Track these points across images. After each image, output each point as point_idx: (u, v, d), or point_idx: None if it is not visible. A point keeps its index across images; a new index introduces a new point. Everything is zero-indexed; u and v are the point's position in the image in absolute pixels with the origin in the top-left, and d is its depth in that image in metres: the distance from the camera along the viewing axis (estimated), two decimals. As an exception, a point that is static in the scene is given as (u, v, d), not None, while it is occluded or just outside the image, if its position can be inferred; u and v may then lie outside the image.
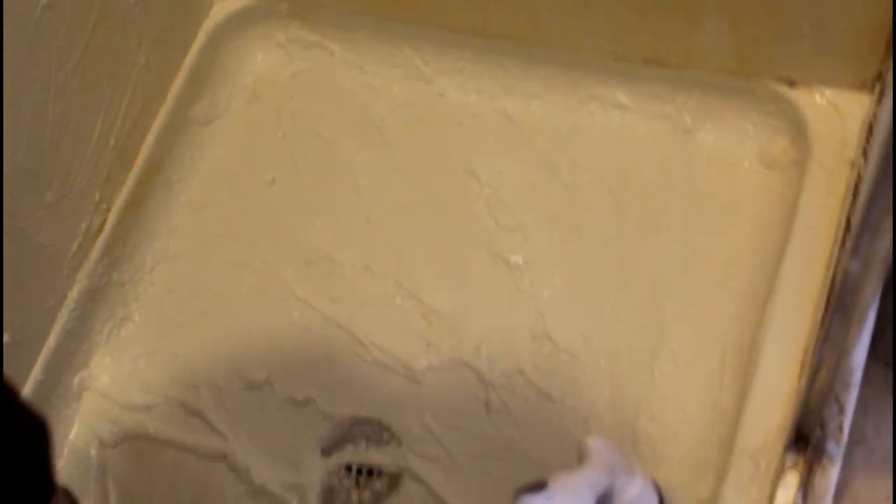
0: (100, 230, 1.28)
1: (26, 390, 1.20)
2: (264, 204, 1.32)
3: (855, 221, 0.86)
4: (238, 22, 1.40)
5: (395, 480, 1.15)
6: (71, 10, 1.14)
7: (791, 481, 0.93)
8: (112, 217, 1.29)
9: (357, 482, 1.16)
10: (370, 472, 1.16)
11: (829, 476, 0.93)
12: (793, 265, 1.03)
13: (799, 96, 1.12)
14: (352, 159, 1.32)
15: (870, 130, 1.01)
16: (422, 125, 1.32)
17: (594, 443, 0.88)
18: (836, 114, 1.08)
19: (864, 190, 0.86)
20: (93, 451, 1.23)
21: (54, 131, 1.17)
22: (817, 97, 1.10)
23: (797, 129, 1.12)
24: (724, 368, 1.09)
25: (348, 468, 1.17)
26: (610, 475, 0.87)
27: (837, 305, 0.74)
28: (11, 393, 0.46)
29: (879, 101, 1.00)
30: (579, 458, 0.88)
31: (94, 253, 1.27)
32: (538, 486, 0.81)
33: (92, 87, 1.21)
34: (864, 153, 1.00)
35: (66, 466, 1.23)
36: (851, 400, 0.94)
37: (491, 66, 1.30)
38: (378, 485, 1.16)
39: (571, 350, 1.15)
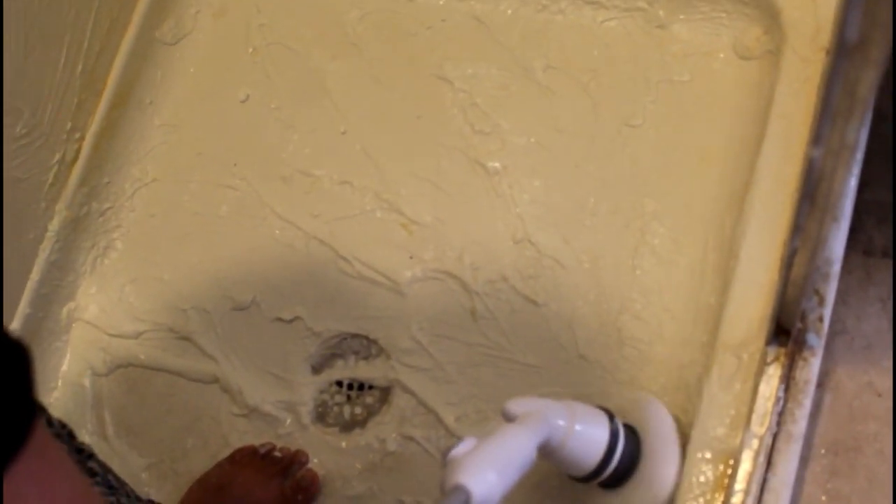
0: (75, 159, 1.27)
1: (14, 325, 1.21)
2: (239, 121, 1.31)
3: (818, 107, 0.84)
4: (199, -65, 1.36)
5: (385, 393, 1.16)
6: (23, -66, 1.11)
7: (773, 374, 0.93)
8: (86, 145, 1.27)
9: (348, 397, 1.17)
10: (361, 387, 1.17)
11: (811, 367, 0.93)
12: (770, 156, 1.02)
13: (771, -19, 1.09)
14: (323, 70, 1.30)
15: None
16: (392, 31, 1.29)
17: (513, 403, 0.88)
18: (810, -1, 1.05)
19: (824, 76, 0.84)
20: (86, 382, 1.24)
21: (18, 61, 1.15)
22: (790, -18, 1.08)
23: (770, 16, 1.09)
24: (706, 264, 1.08)
25: (339, 384, 1.18)
26: (541, 421, 0.87)
27: (805, 195, 0.73)
28: None
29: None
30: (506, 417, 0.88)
31: (72, 182, 1.26)
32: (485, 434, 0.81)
33: (53, 11, 1.18)
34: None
35: (60, 398, 1.24)
36: (831, 291, 0.93)
37: (459, -33, 1.27)
38: (369, 399, 1.17)
39: (553, 254, 1.14)
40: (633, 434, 0.97)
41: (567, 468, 0.94)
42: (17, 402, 0.45)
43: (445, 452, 0.80)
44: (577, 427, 0.91)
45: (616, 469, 0.94)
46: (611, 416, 0.95)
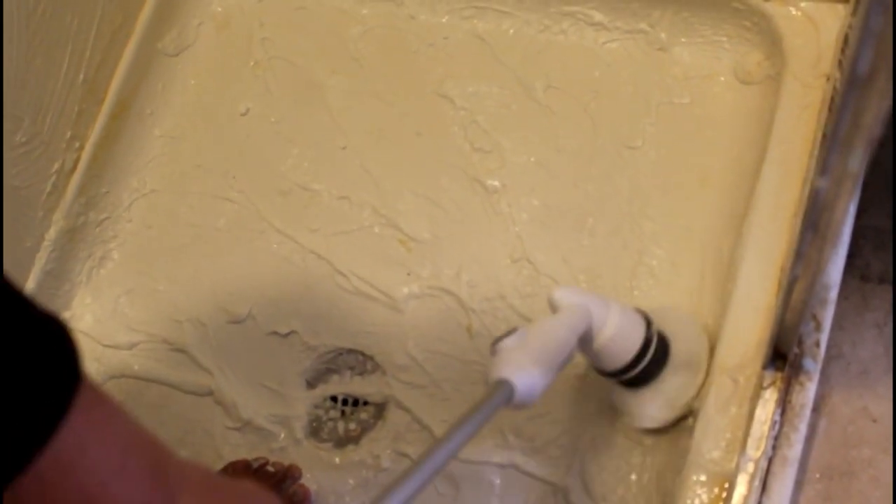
0: (74, 168, 1.27)
1: (9, 333, 1.20)
2: (239, 134, 1.31)
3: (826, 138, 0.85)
4: (203, -52, 1.36)
5: (380, 409, 1.16)
6: (27, -57, 1.12)
7: (770, 398, 0.94)
8: (86, 154, 1.27)
9: (343, 412, 1.17)
10: (355, 402, 1.17)
11: (807, 392, 0.93)
12: (769, 181, 1.02)
13: (774, 8, 1.09)
14: (324, 85, 1.30)
15: (845, 42, 0.99)
16: (393, 48, 1.30)
17: (560, 292, 0.91)
18: (812, 26, 1.06)
19: (835, 106, 0.84)
20: (79, 391, 1.23)
21: (20, 69, 1.15)
22: (792, 9, 1.08)
23: (772, 42, 1.10)
24: (703, 287, 1.08)
25: (334, 399, 1.18)
26: (585, 316, 0.90)
27: (808, 224, 0.73)
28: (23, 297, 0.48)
29: (855, 12, 0.98)
30: (551, 310, 0.91)
31: (70, 192, 1.26)
32: (512, 331, 0.84)
33: (56, 19, 1.18)
34: (840, 65, 0.98)
35: (53, 406, 1.23)
36: (828, 316, 0.94)
37: (461, -15, 1.28)
38: (364, 414, 1.16)
39: (551, 273, 1.15)
40: (663, 342, 0.99)
41: (597, 361, 0.97)
42: (60, 371, 0.47)
43: (495, 342, 0.83)
44: (615, 326, 0.93)
45: (642, 371, 0.97)
46: (648, 322, 0.97)
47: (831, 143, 0.62)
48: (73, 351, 0.49)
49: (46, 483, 0.47)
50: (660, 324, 1.00)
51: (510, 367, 0.79)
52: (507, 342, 0.82)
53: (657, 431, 1.03)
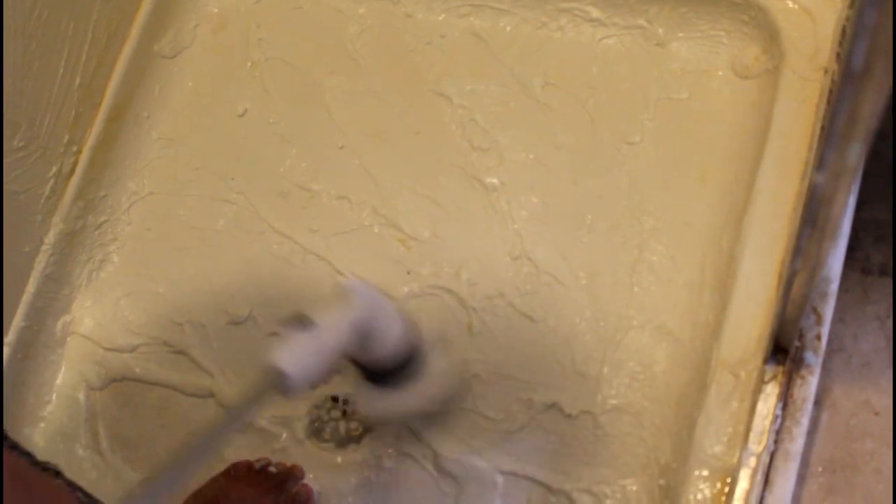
0: (72, 172, 1.26)
1: (9, 338, 1.20)
2: (237, 136, 1.31)
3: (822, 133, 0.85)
4: (198, -51, 1.36)
5: (381, 408, 1.16)
6: (22, -54, 1.12)
7: (771, 392, 0.94)
8: (83, 158, 1.27)
9: (344, 412, 1.17)
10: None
11: (809, 385, 0.93)
12: (768, 175, 1.02)
13: (771, 2, 1.09)
14: (322, 85, 1.30)
15: (843, 34, 0.99)
16: (391, 47, 1.29)
17: (352, 284, 0.92)
18: (809, 18, 1.06)
19: (833, 99, 0.84)
20: (81, 395, 1.23)
21: (17, 74, 1.14)
22: (789, 2, 1.08)
23: (769, 35, 1.10)
24: (704, 282, 1.08)
25: (335, 399, 1.17)
26: (371, 315, 0.91)
27: (807, 218, 0.73)
28: None
29: (852, 4, 0.98)
30: (336, 297, 0.91)
31: (68, 195, 1.26)
32: (301, 320, 0.85)
33: (52, 25, 1.18)
34: (838, 58, 0.98)
35: (55, 411, 1.23)
36: (829, 309, 0.94)
37: (458, -17, 1.28)
38: (365, 414, 1.16)
39: (551, 270, 1.15)
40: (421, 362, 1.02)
41: (357, 356, 0.97)
42: None
43: (282, 322, 0.85)
44: (396, 339, 0.96)
45: (393, 377, 1.00)
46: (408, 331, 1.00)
47: (828, 137, 0.62)
48: None
49: None
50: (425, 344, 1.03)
51: (288, 356, 0.81)
52: (291, 330, 0.84)
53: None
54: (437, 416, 1.11)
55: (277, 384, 0.80)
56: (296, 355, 0.82)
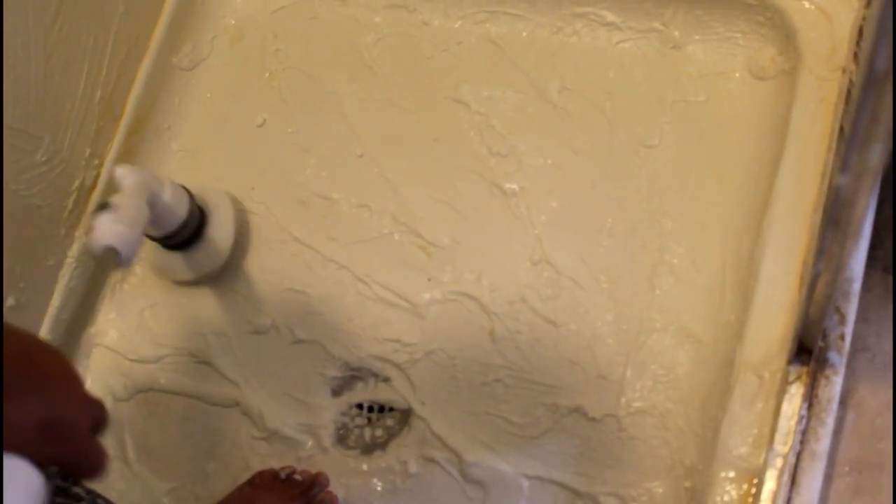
0: (94, 185, 1.28)
1: (35, 351, 1.21)
2: (256, 146, 1.32)
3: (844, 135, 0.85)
4: (214, -38, 1.37)
5: (406, 415, 1.16)
6: (42, -36, 1.13)
7: (796, 392, 0.94)
8: (105, 171, 1.28)
9: (369, 419, 1.17)
10: (381, 409, 1.18)
11: (833, 385, 0.93)
12: (788, 176, 1.02)
13: (786, 3, 1.09)
14: (340, 93, 1.31)
15: (860, 33, 0.99)
16: (407, 55, 1.30)
17: (123, 171, 1.08)
18: (825, 18, 1.06)
19: (852, 103, 0.84)
20: (107, 406, 1.24)
21: (38, 89, 1.15)
22: (805, 3, 1.08)
23: (786, 36, 1.10)
24: (725, 283, 1.09)
25: (359, 406, 1.18)
26: (150, 189, 1.10)
27: (830, 220, 0.73)
28: None
29: (869, 4, 0.98)
30: (120, 183, 1.08)
31: (91, 209, 1.27)
32: (105, 206, 1.02)
33: (72, 39, 1.19)
34: (855, 57, 0.98)
35: (82, 422, 1.24)
36: (852, 309, 0.94)
37: (473, -10, 1.28)
38: (389, 421, 1.17)
39: (571, 274, 1.15)
40: (203, 216, 1.23)
41: (155, 228, 1.17)
42: None
43: (92, 216, 1.03)
44: (170, 197, 1.14)
45: (183, 237, 1.20)
46: (191, 196, 1.20)
47: (851, 139, 0.62)
48: None
49: None
50: (201, 200, 1.23)
51: (116, 236, 0.99)
52: (104, 216, 1.00)
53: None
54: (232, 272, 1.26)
55: (112, 260, 0.99)
56: (113, 231, 0.99)
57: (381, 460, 1.15)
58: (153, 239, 1.21)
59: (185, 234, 1.20)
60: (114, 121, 1.30)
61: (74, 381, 0.62)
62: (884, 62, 0.52)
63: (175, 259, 1.24)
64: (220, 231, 1.23)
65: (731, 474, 0.95)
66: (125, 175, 1.08)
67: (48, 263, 1.23)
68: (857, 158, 0.65)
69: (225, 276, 1.26)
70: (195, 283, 1.26)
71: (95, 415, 0.63)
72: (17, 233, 1.16)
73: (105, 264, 1.03)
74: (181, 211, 1.17)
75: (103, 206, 1.02)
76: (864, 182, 0.68)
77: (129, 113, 1.31)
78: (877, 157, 0.65)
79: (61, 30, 1.17)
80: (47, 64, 1.16)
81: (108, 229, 0.99)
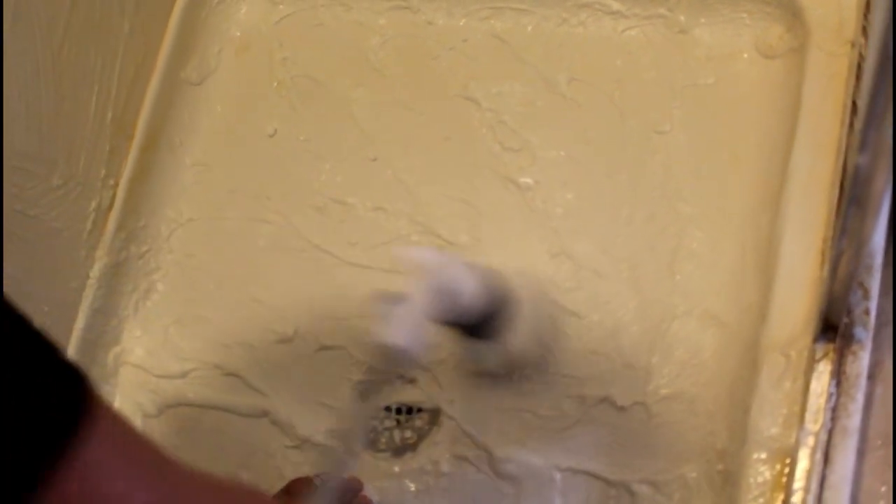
0: (111, 205, 1.28)
1: (64, 373, 1.22)
2: (269, 155, 1.32)
3: (860, 113, 0.85)
4: (216, -25, 1.38)
5: (434, 415, 1.16)
6: (46, -13, 1.13)
7: (824, 370, 0.94)
8: (121, 190, 1.29)
9: (398, 421, 1.18)
10: (409, 411, 1.18)
11: (861, 361, 0.93)
12: (802, 154, 1.02)
13: (791, -21, 1.10)
14: (349, 98, 1.31)
15: (867, 6, 0.99)
16: (414, 55, 1.30)
17: (419, 254, 0.94)
18: (831, -7, 1.06)
19: (866, 80, 0.84)
20: (138, 424, 1.25)
21: (50, 113, 1.16)
22: (810, -22, 1.08)
23: (792, 13, 1.10)
24: (745, 264, 1.09)
25: (387, 409, 1.19)
26: (449, 275, 0.93)
27: (851, 199, 0.73)
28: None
29: (874, -24, 0.98)
30: (411, 269, 0.93)
31: (109, 228, 1.27)
32: (391, 297, 0.88)
33: (80, 61, 1.20)
34: (864, 31, 0.98)
35: (114, 441, 1.25)
36: (875, 283, 0.94)
37: (476, -13, 1.28)
38: (418, 421, 1.17)
39: (591, 264, 1.15)
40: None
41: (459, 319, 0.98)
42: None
43: (376, 301, 0.88)
44: (471, 296, 0.95)
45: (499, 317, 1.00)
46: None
47: (868, 117, 0.62)
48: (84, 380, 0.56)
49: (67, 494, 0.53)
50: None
51: (396, 331, 0.86)
52: (386, 309, 0.87)
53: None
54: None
55: (396, 359, 0.86)
56: (402, 329, 0.86)
57: (412, 461, 1.16)
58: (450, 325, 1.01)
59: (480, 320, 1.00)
60: (126, 139, 1.30)
61: None
62: (898, 40, 0.52)
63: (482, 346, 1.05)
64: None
65: (764, 455, 0.95)
66: (423, 258, 0.94)
67: (71, 286, 1.24)
68: (875, 136, 0.65)
69: (247, 286, 1.26)
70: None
71: None
72: (40, 258, 1.17)
73: (387, 360, 0.87)
74: (479, 304, 0.98)
75: (391, 298, 0.88)
76: (882, 159, 0.68)
77: (140, 131, 1.31)
78: (893, 134, 0.65)
79: (69, 53, 1.18)
80: (58, 88, 1.16)
81: (401, 329, 0.86)
